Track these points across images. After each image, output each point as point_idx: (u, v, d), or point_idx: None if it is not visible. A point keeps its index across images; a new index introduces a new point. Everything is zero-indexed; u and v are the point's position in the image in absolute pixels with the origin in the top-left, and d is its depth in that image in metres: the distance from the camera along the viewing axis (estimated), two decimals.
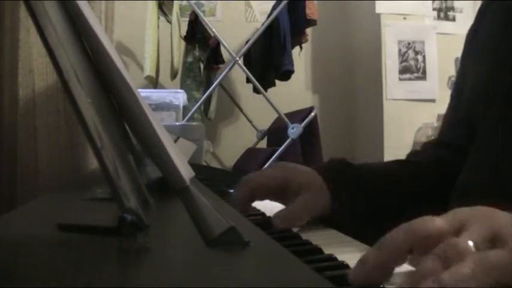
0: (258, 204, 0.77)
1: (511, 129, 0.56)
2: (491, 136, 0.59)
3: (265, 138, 2.91)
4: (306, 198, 0.60)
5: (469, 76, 0.70)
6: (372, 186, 0.68)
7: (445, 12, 2.97)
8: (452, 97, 0.76)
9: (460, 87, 0.72)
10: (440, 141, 0.77)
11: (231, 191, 0.94)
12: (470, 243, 0.34)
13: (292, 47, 2.62)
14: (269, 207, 0.66)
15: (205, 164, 2.38)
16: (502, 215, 0.38)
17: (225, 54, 2.67)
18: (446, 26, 2.94)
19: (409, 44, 2.86)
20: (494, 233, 0.36)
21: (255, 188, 0.62)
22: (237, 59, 2.26)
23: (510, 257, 0.33)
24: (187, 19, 2.74)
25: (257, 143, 2.98)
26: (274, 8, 2.48)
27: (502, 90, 0.59)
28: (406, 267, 0.38)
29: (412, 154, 0.78)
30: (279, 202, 0.65)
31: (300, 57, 2.91)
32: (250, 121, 3.06)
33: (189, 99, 2.42)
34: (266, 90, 2.50)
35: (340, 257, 0.41)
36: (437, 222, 0.37)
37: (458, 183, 0.63)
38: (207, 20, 2.42)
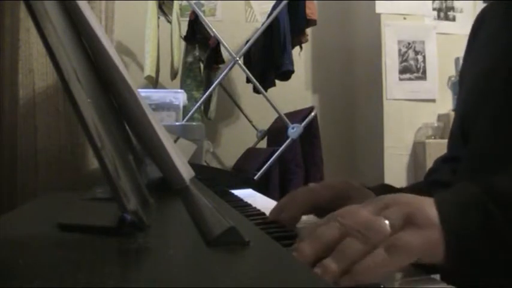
0: (257, 204, 0.77)
1: (502, 130, 0.56)
2: (483, 138, 0.59)
3: (265, 138, 2.91)
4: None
5: (466, 78, 0.70)
6: None
7: (445, 12, 2.97)
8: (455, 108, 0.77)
9: (459, 92, 0.73)
10: (448, 157, 0.78)
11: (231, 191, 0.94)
12: (386, 222, 0.39)
13: (292, 47, 2.62)
14: (269, 207, 0.66)
15: (205, 164, 2.38)
16: (421, 199, 0.42)
17: (225, 54, 2.67)
18: (446, 26, 2.94)
19: (409, 44, 2.86)
20: (408, 214, 0.39)
21: (304, 207, 0.62)
22: (237, 59, 2.26)
23: (418, 236, 0.38)
24: (187, 19, 2.74)
25: (257, 143, 2.98)
26: (274, 8, 2.48)
27: (494, 91, 0.59)
28: None
29: (429, 174, 0.79)
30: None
31: (300, 57, 2.91)
32: (250, 121, 3.06)
33: (189, 99, 2.42)
34: (266, 90, 2.50)
35: None
36: (363, 212, 0.41)
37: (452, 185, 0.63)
38: (207, 20, 2.41)
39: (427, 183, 0.77)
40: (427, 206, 0.40)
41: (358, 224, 0.39)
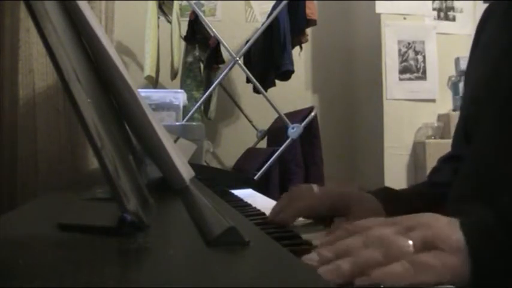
0: (257, 204, 0.77)
1: (506, 131, 0.56)
2: (486, 139, 0.59)
3: (265, 138, 2.91)
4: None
5: (470, 78, 0.70)
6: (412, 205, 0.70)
7: (445, 12, 2.97)
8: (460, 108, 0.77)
9: (464, 92, 0.73)
10: (452, 155, 0.77)
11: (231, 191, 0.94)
12: (410, 242, 0.38)
13: (292, 47, 2.62)
14: (269, 207, 0.65)
15: (205, 164, 2.38)
16: (443, 221, 0.41)
17: (225, 54, 2.67)
18: (446, 26, 2.94)
19: (409, 44, 2.86)
20: (430, 238, 0.39)
21: (302, 213, 0.62)
22: (237, 59, 2.26)
23: (441, 259, 0.37)
24: (187, 19, 2.74)
25: (257, 143, 2.98)
26: (274, 8, 2.48)
27: (497, 92, 0.59)
28: None
29: (433, 173, 0.79)
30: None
31: (300, 57, 2.91)
32: (250, 121, 3.06)
33: (189, 99, 2.42)
34: (266, 90, 2.50)
35: None
36: (388, 229, 0.41)
37: (454, 188, 0.63)
38: (207, 20, 2.41)
39: (428, 184, 0.77)
40: (452, 229, 0.40)
41: (381, 239, 0.39)
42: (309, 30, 2.76)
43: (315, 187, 0.64)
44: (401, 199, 0.68)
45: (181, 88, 2.57)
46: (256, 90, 2.50)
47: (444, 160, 0.78)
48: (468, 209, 0.45)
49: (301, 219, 0.63)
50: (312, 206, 0.61)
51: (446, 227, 0.40)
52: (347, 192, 0.63)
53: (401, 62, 2.85)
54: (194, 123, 2.12)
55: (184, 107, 2.13)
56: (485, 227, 0.40)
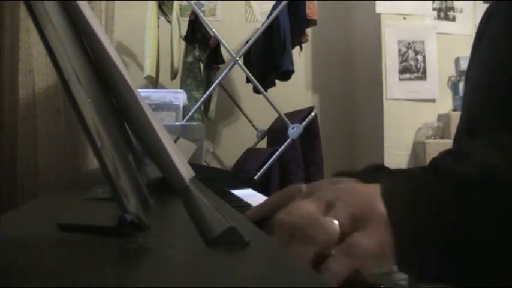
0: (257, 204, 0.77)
1: (509, 127, 0.56)
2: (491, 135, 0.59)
3: (265, 138, 2.91)
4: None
5: (472, 79, 0.70)
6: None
7: (445, 12, 2.97)
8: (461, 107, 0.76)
9: (465, 91, 0.73)
10: (454, 150, 0.77)
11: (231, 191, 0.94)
12: (336, 222, 0.37)
13: (292, 47, 2.62)
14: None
15: (205, 164, 2.38)
16: (365, 192, 0.40)
17: (225, 54, 2.67)
18: (446, 26, 2.94)
19: (409, 44, 2.86)
20: (356, 213, 0.38)
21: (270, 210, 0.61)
22: (237, 59, 2.26)
23: (373, 237, 0.36)
24: (187, 19, 2.74)
25: (257, 143, 2.98)
26: (274, 8, 2.48)
27: (500, 91, 0.59)
28: None
29: (436, 161, 0.78)
30: None
31: (300, 57, 2.91)
32: (250, 121, 3.06)
33: (189, 99, 2.42)
34: (266, 90, 2.50)
35: None
36: (306, 206, 0.40)
37: None
38: (207, 20, 2.42)
39: (431, 168, 0.76)
40: (374, 200, 0.39)
41: (306, 226, 0.38)
42: (309, 30, 2.76)
43: (304, 187, 0.64)
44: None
45: (181, 88, 2.57)
46: (256, 90, 2.50)
47: (446, 152, 0.78)
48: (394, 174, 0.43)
49: None
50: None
51: (368, 197, 0.39)
52: (335, 183, 0.63)
53: (401, 62, 2.85)
54: (194, 123, 2.12)
55: (184, 107, 2.13)
56: (406, 191, 0.39)
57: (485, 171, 0.38)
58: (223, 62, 2.77)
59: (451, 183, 0.38)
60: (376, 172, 0.63)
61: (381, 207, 0.38)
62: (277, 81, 2.72)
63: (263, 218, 0.60)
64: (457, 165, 0.40)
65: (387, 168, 0.66)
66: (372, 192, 0.40)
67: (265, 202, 0.63)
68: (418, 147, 2.78)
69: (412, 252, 0.37)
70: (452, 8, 2.98)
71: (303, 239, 0.37)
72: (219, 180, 1.02)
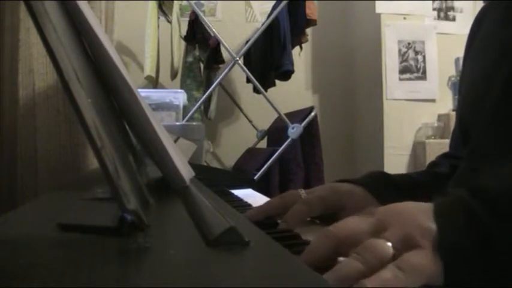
0: (257, 204, 0.77)
1: (501, 129, 0.56)
2: (483, 138, 0.59)
3: (265, 138, 2.91)
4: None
5: (467, 77, 0.70)
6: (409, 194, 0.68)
7: (445, 12, 2.97)
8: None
9: (459, 91, 0.73)
10: (450, 154, 0.77)
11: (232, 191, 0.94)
12: (388, 243, 0.37)
13: (292, 47, 2.62)
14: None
15: (205, 164, 2.38)
16: (417, 212, 0.40)
17: (225, 54, 2.67)
18: (446, 26, 2.94)
19: (409, 44, 2.86)
20: (408, 233, 0.38)
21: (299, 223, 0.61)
22: (237, 59, 2.26)
23: (422, 257, 0.36)
24: (187, 19, 2.74)
25: (257, 143, 2.98)
26: (274, 8, 2.48)
27: (493, 91, 0.59)
28: None
29: (432, 166, 0.78)
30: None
31: (300, 57, 2.92)
32: (250, 121, 3.06)
33: (189, 99, 2.42)
34: (266, 90, 2.50)
35: None
36: (357, 224, 0.40)
37: (450, 185, 0.63)
38: (207, 20, 2.42)
39: (427, 173, 0.76)
40: (425, 221, 0.38)
41: (359, 247, 0.37)
42: (309, 30, 2.76)
43: (303, 193, 0.63)
44: (397, 188, 0.66)
45: (181, 88, 2.57)
46: (256, 90, 2.50)
47: (443, 156, 0.78)
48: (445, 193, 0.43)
49: None
50: (306, 214, 0.60)
51: (419, 217, 0.39)
52: (337, 194, 0.62)
53: (401, 62, 2.85)
54: (194, 123, 2.12)
55: (184, 107, 2.13)
56: (449, 212, 0.39)
57: None
58: (223, 62, 2.77)
59: (501, 213, 0.38)
60: (380, 182, 0.63)
61: (431, 228, 0.38)
62: (277, 81, 2.72)
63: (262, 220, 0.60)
64: (504, 189, 0.40)
65: (392, 178, 0.66)
66: (424, 214, 0.39)
67: (265, 204, 0.63)
68: (418, 147, 2.78)
69: (461, 277, 0.37)
70: (452, 8, 2.98)
71: (354, 256, 0.37)
72: (219, 180, 1.02)
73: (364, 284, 0.34)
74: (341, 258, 0.39)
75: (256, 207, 0.65)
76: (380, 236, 0.38)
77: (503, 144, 0.55)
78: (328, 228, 0.41)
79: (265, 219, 0.61)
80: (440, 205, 0.40)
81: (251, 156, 2.64)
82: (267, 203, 0.63)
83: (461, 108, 0.68)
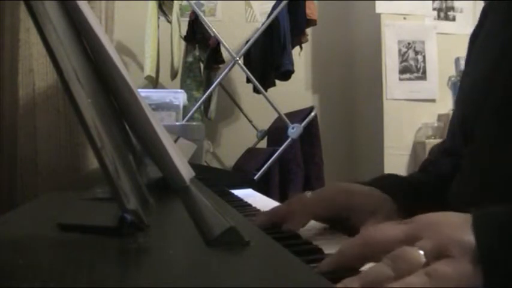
0: (257, 204, 0.77)
1: (504, 129, 0.56)
2: (485, 137, 0.59)
3: (265, 138, 2.91)
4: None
5: (468, 77, 0.70)
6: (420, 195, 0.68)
7: (445, 12, 2.97)
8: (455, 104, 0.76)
9: (460, 90, 0.72)
10: (448, 150, 0.76)
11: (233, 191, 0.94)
12: (421, 252, 0.36)
13: (292, 47, 2.62)
14: (269, 206, 0.65)
15: (205, 164, 2.38)
16: (454, 223, 0.39)
17: (225, 54, 2.67)
18: (446, 26, 2.94)
19: (409, 44, 2.86)
20: (442, 244, 0.37)
21: (303, 224, 0.60)
22: (237, 59, 2.26)
23: (452, 267, 0.35)
24: (187, 19, 2.74)
25: (257, 143, 2.98)
26: (274, 8, 2.48)
27: (495, 91, 0.58)
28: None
29: (426, 165, 0.78)
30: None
31: (300, 57, 2.91)
32: (250, 121, 3.06)
33: (189, 99, 2.42)
34: (266, 90, 2.50)
35: None
36: (392, 231, 0.40)
37: (453, 186, 0.63)
38: (207, 20, 2.42)
39: (427, 174, 0.75)
40: (463, 234, 0.37)
41: (391, 254, 0.37)
42: (309, 30, 2.76)
43: (309, 194, 0.63)
44: (412, 189, 0.66)
45: (181, 88, 2.57)
46: (256, 90, 2.50)
47: (441, 153, 0.78)
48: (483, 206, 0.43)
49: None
50: (311, 215, 0.60)
51: (457, 229, 0.38)
52: (344, 194, 0.62)
53: (401, 62, 2.85)
54: (194, 123, 2.12)
55: (184, 107, 2.13)
56: (499, 224, 0.38)
57: None
58: (223, 62, 2.77)
59: None
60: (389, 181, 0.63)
61: (469, 238, 0.37)
62: (277, 81, 2.72)
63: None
64: None
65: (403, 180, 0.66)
66: (462, 226, 0.38)
67: (273, 211, 0.63)
68: (418, 147, 2.78)
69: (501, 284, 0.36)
70: (452, 8, 2.97)
71: (384, 261, 0.36)
72: (219, 180, 1.02)
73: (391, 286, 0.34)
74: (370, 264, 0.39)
75: (262, 213, 0.64)
76: (414, 244, 0.38)
77: (506, 145, 0.55)
78: (361, 232, 0.41)
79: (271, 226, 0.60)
80: (479, 218, 0.39)
81: (251, 156, 2.64)
82: (274, 210, 0.63)
83: (462, 108, 0.68)
